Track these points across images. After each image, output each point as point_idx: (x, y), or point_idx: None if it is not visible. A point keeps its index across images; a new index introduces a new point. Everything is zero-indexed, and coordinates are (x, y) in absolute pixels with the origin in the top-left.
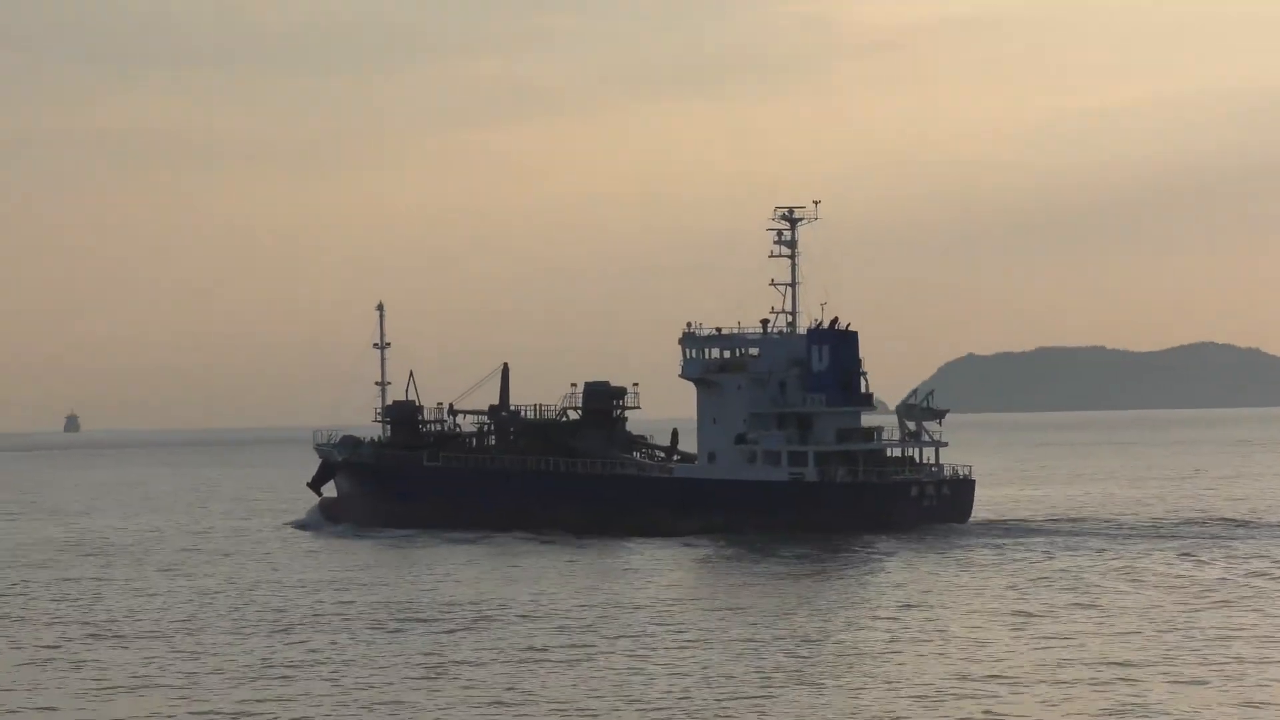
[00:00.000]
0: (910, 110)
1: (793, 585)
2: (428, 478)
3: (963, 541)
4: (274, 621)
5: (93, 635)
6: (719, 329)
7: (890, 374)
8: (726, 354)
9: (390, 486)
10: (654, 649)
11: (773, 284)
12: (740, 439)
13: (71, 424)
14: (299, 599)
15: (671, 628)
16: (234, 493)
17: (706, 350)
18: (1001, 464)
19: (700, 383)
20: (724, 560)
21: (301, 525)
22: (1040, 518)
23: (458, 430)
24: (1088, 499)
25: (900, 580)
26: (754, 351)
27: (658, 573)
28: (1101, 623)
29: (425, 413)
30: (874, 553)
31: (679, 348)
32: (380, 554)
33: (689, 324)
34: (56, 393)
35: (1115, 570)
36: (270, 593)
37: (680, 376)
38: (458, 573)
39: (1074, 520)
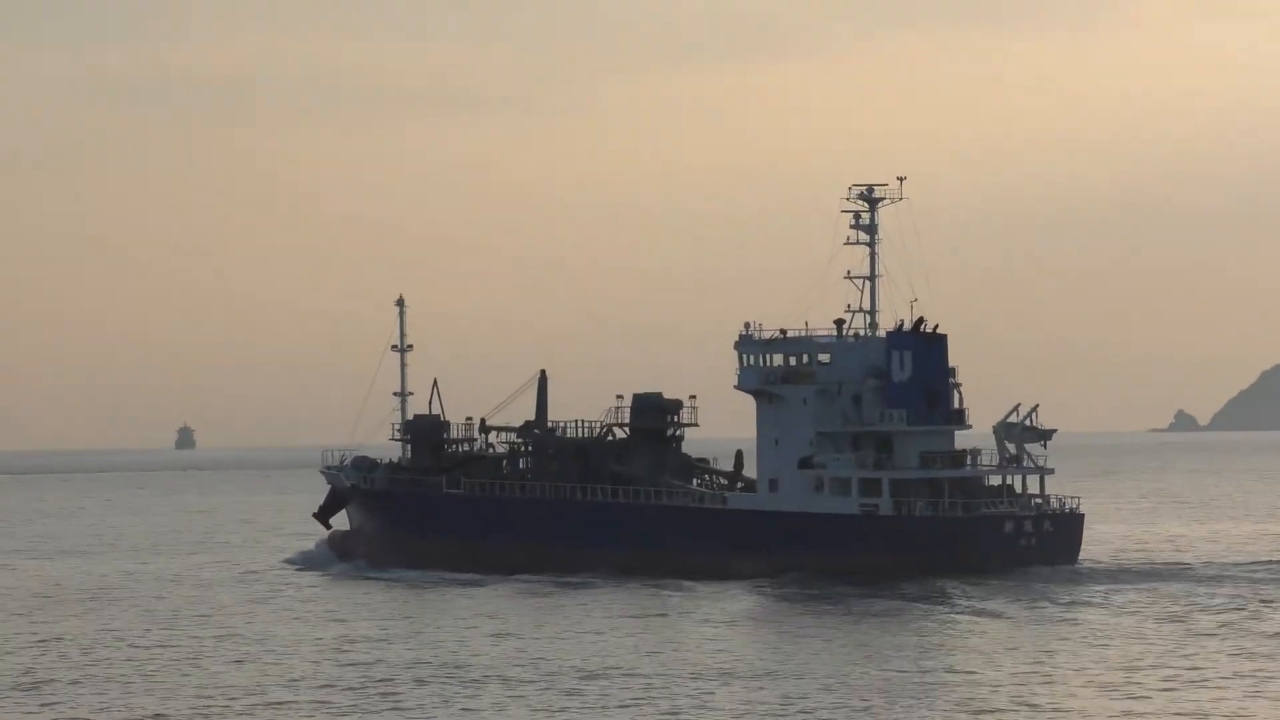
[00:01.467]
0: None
1: (843, 651)
2: (447, 507)
3: (1072, 590)
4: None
5: None
6: (783, 331)
7: (994, 386)
8: (791, 361)
9: (404, 517)
10: None
11: (849, 277)
12: (804, 463)
13: (185, 438)
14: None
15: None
16: (250, 523)
17: (767, 356)
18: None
19: (759, 395)
20: (766, 614)
21: (304, 563)
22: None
23: (489, 450)
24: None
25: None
26: (824, 358)
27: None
28: None
29: (452, 429)
30: (959, 606)
31: (735, 354)
32: (376, 601)
33: (746, 325)
34: (169, 402)
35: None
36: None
37: (736, 388)
38: (455, 631)
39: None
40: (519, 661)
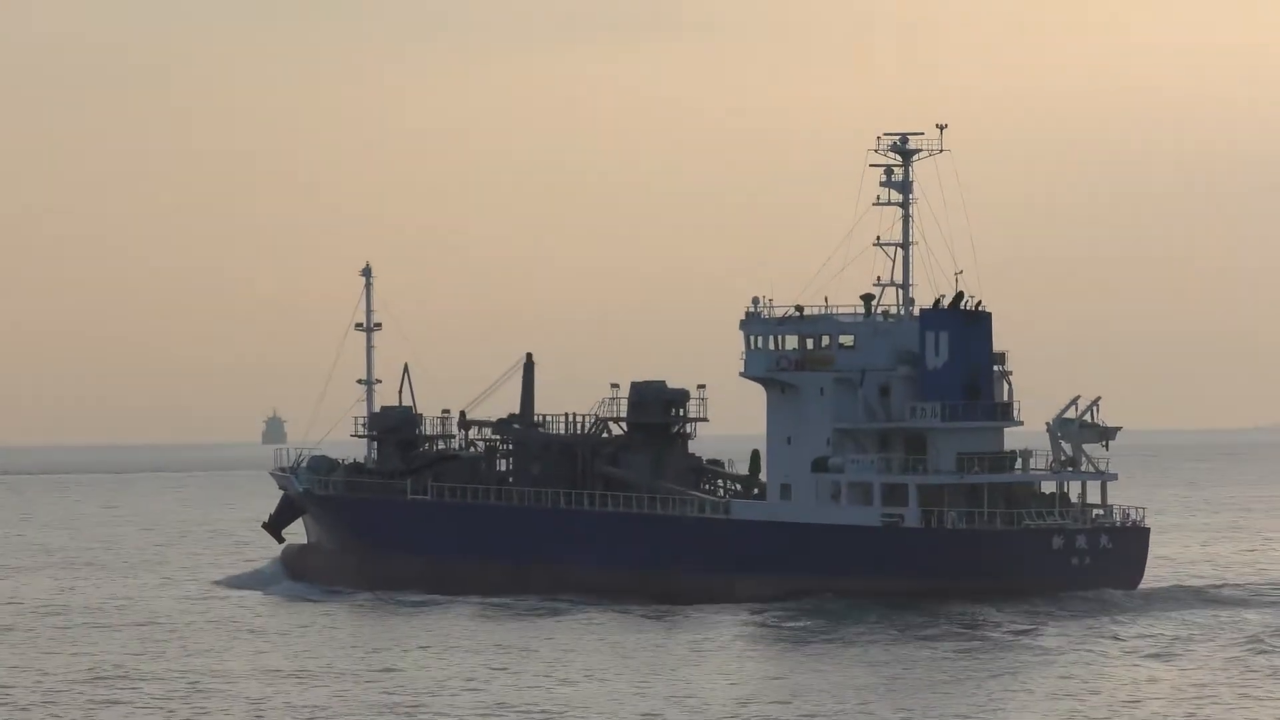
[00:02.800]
0: None
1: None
2: (411, 517)
3: (1132, 621)
4: None
5: None
6: (798, 308)
7: (1054, 375)
8: (808, 343)
9: (362, 529)
10: None
11: (878, 244)
12: (818, 465)
13: (274, 429)
14: None
15: None
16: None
17: (778, 338)
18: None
19: (769, 384)
20: (764, 648)
21: (243, 583)
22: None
23: (471, 448)
24: None
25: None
26: (846, 340)
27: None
28: None
29: (425, 424)
30: (1003, 641)
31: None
32: (310, 635)
33: (755, 300)
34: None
35: None
36: None
37: (742, 375)
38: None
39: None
40: None
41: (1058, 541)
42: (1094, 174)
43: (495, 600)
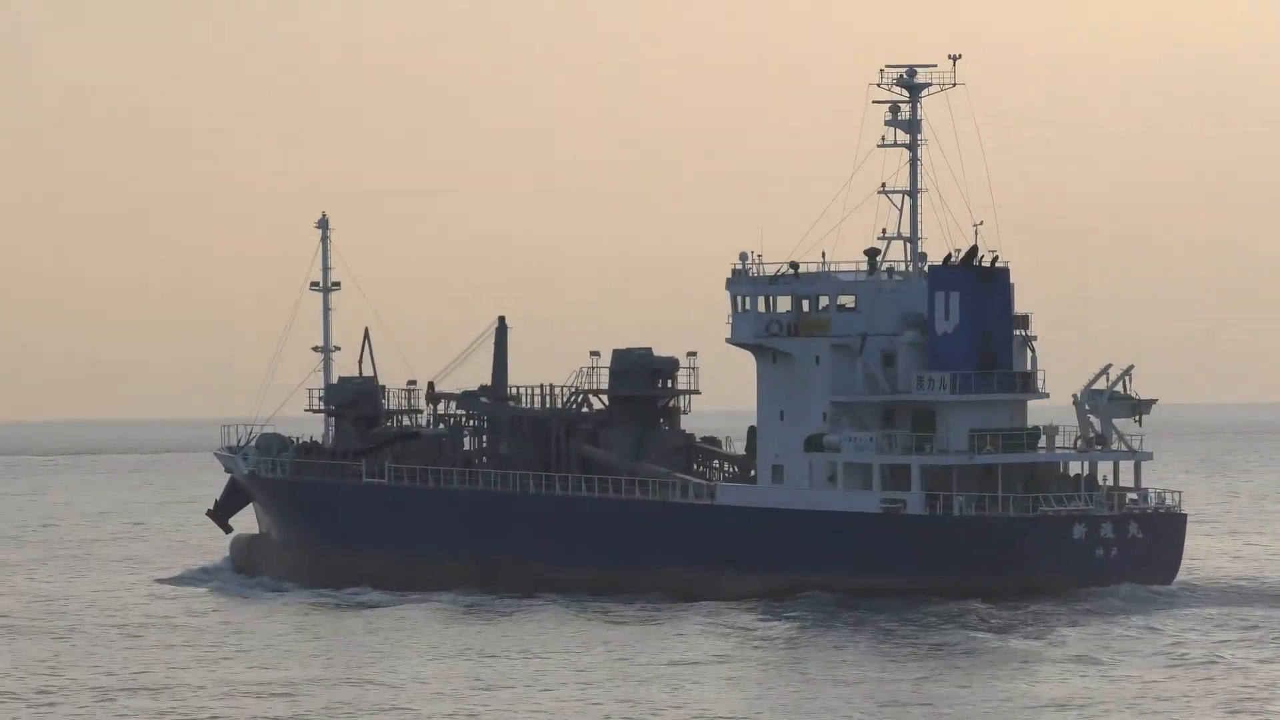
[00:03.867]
0: None
1: None
2: (364, 503)
3: (1161, 621)
4: None
5: None
6: (792, 265)
7: (1087, 341)
8: (804, 305)
9: (312, 516)
10: None
11: (883, 191)
12: (812, 443)
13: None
14: None
15: None
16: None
17: (769, 299)
18: None
19: (760, 352)
20: (747, 659)
21: (186, 581)
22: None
23: (440, 424)
24: None
25: None
26: (846, 301)
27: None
28: None
29: (389, 396)
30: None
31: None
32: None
33: (743, 256)
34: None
35: None
36: None
37: (729, 342)
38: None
39: None
40: None
41: (1079, 530)
42: (1128, 108)
43: (444, 599)
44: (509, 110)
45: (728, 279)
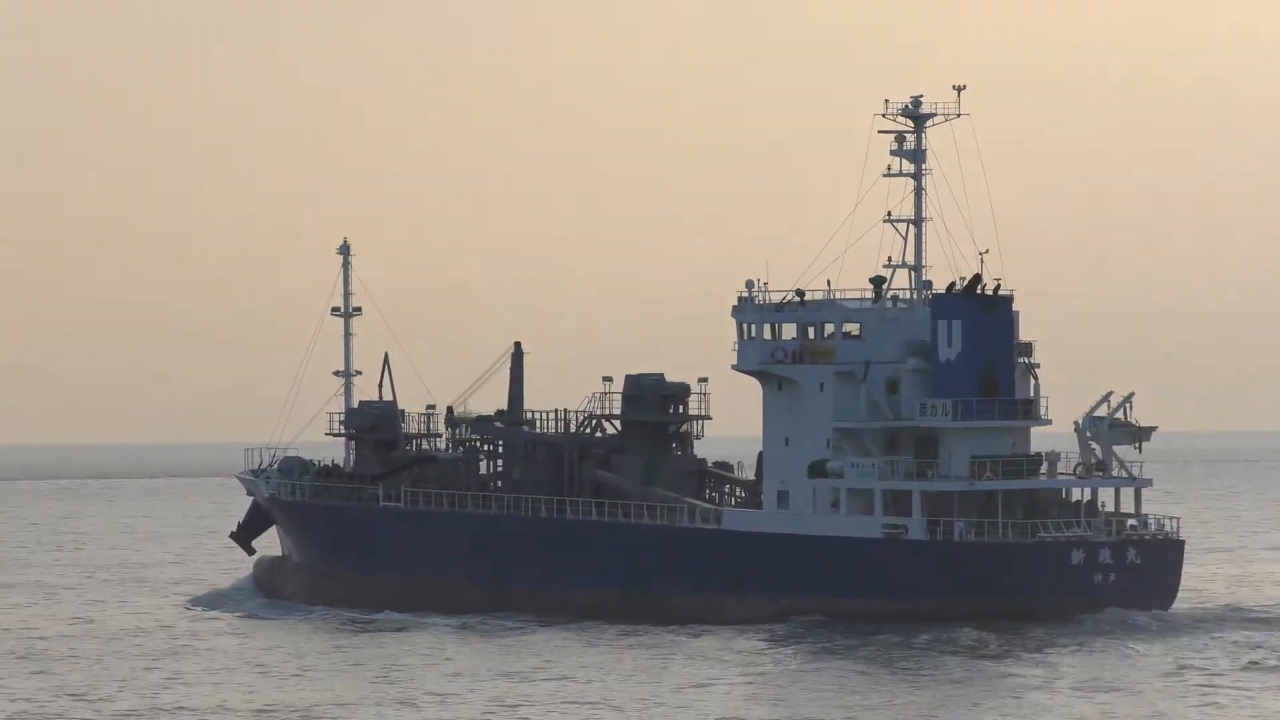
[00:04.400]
0: None
1: None
2: (380, 526)
3: (1159, 647)
4: None
5: None
6: (799, 292)
7: (1091, 369)
8: (809, 332)
9: (329, 539)
10: None
11: (889, 220)
12: (816, 469)
13: None
14: None
15: None
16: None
17: (775, 326)
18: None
19: (765, 378)
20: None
21: (210, 603)
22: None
23: (459, 448)
24: None
25: None
26: (851, 329)
27: None
28: None
29: (408, 420)
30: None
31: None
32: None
33: (749, 284)
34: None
35: None
36: None
37: (734, 369)
38: None
39: None
40: None
41: (1078, 556)
42: (1132, 138)
43: (453, 622)
44: (526, 136)
45: (734, 306)
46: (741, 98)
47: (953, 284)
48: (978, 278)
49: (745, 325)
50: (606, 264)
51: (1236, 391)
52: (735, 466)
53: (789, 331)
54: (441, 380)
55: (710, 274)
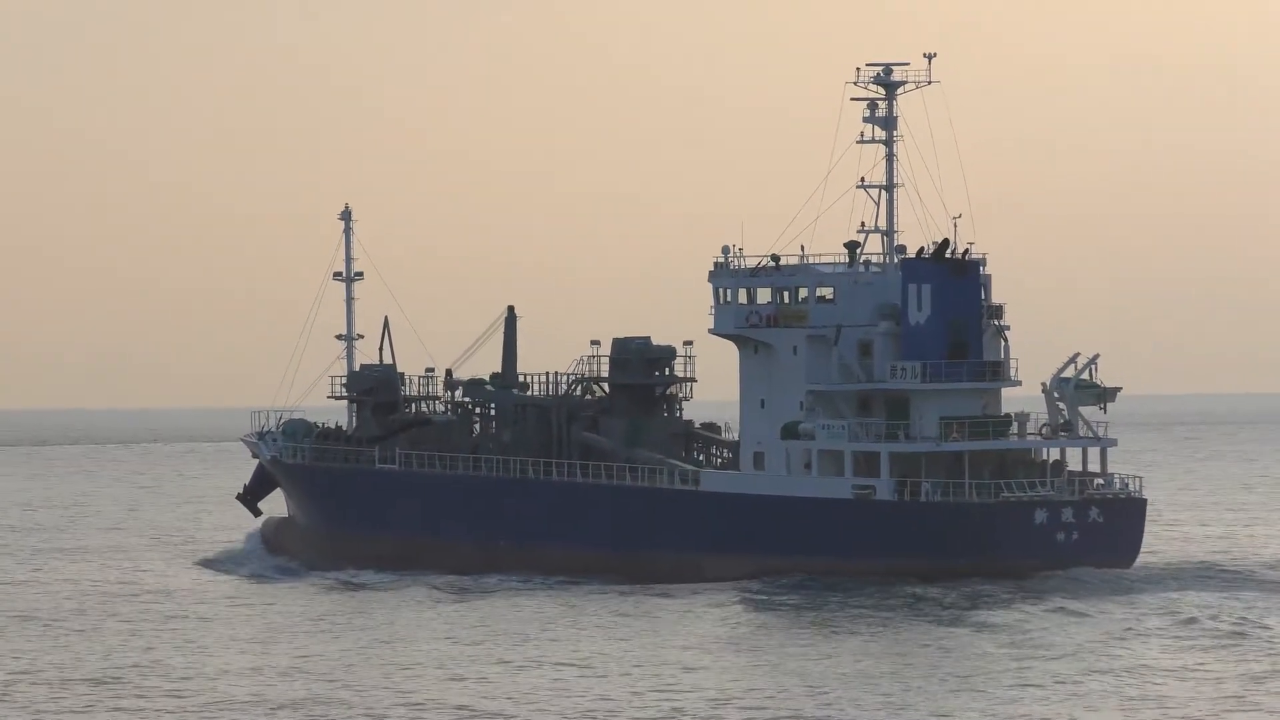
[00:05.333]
0: None
1: None
2: (375, 487)
3: (1114, 604)
4: None
5: None
6: (774, 258)
7: (1066, 331)
8: (784, 297)
9: (328, 500)
10: None
11: (862, 186)
12: (788, 431)
13: None
14: None
15: None
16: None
17: (750, 291)
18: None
19: (741, 342)
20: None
21: (223, 564)
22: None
23: (455, 410)
24: None
25: None
26: (825, 293)
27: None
28: None
29: (407, 383)
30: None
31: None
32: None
33: (725, 250)
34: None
35: None
36: None
37: (711, 333)
38: None
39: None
40: None
41: (1041, 515)
42: (1101, 103)
43: (439, 581)
44: (516, 108)
45: (710, 272)
46: (720, 67)
47: (921, 249)
48: (946, 242)
49: (721, 290)
50: (601, 228)
51: (1207, 355)
52: (723, 428)
53: (764, 296)
54: (442, 343)
55: (693, 241)
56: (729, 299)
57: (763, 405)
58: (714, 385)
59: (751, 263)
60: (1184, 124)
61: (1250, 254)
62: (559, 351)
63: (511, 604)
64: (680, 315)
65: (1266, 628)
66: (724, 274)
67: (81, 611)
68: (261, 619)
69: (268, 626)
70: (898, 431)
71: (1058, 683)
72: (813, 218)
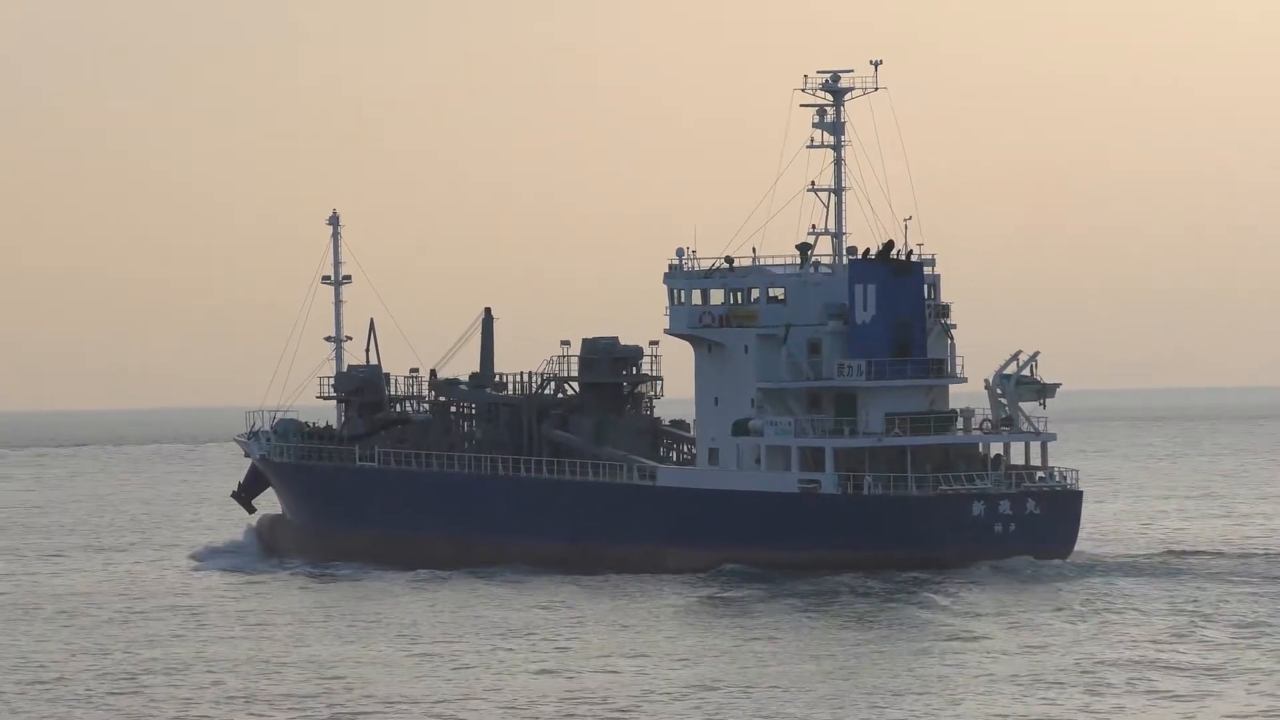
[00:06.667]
0: None
1: None
2: (354, 485)
3: (1041, 591)
4: None
5: None
6: (727, 260)
7: (1014, 330)
8: (737, 297)
9: (312, 498)
10: None
11: (811, 189)
12: (739, 428)
13: None
14: None
15: None
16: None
17: (704, 292)
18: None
19: (696, 342)
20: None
21: (210, 561)
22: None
23: (439, 409)
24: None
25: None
26: (778, 293)
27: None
28: None
29: (392, 383)
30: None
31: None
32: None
33: (679, 252)
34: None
35: None
36: None
37: (667, 332)
38: None
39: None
40: None
41: (979, 507)
42: (1044, 107)
43: (419, 576)
44: (493, 117)
45: (665, 273)
46: (679, 77)
47: (867, 250)
48: (890, 244)
49: (676, 291)
50: (574, 231)
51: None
52: (691, 425)
53: (717, 297)
54: (428, 344)
55: (662, 243)
56: (683, 300)
57: (716, 403)
58: (685, 384)
59: (706, 265)
60: (1127, 126)
61: (1195, 254)
62: (538, 351)
63: (460, 598)
64: (650, 316)
65: (1206, 616)
66: (678, 275)
67: (69, 611)
68: (221, 612)
69: (239, 621)
70: (846, 428)
71: (985, 674)
72: (764, 221)
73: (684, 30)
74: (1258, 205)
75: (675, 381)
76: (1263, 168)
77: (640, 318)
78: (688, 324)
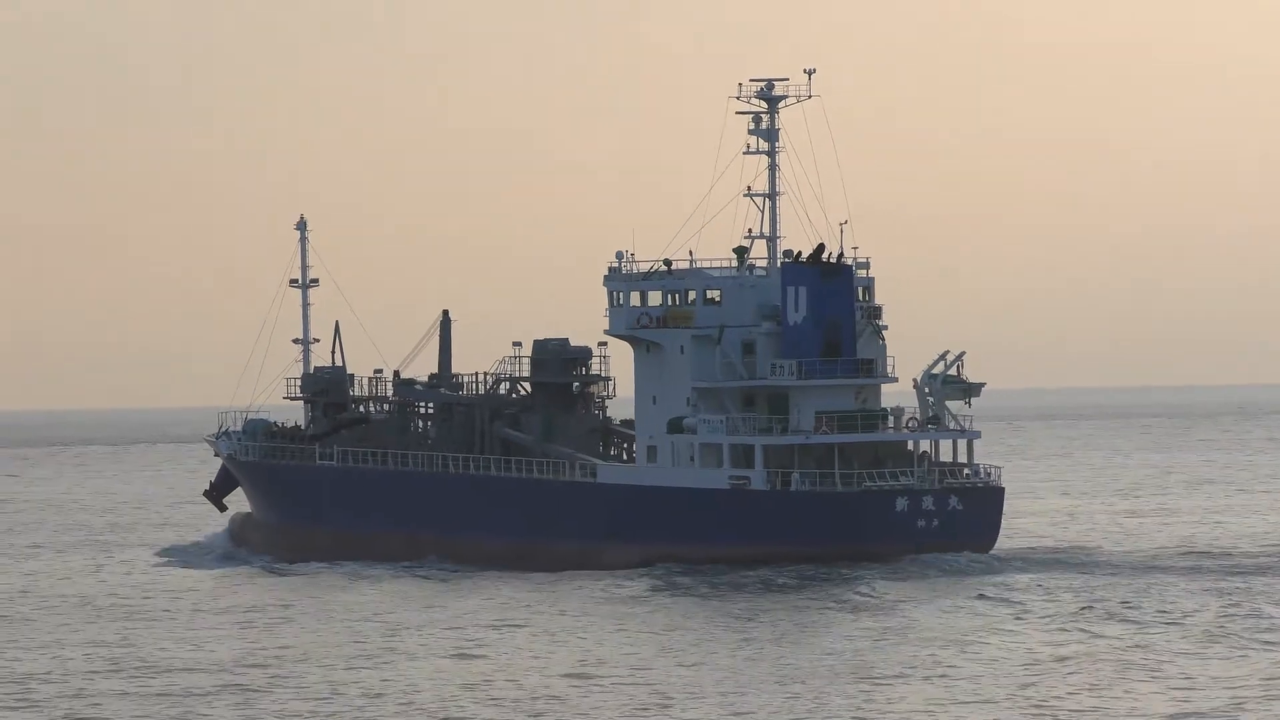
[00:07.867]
0: None
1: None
2: (317, 482)
3: (957, 586)
4: None
5: None
6: (666, 262)
7: (946, 331)
8: (674, 299)
9: (275, 496)
10: None
11: (748, 195)
12: (674, 426)
13: None
14: None
15: None
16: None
17: (643, 294)
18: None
19: (634, 343)
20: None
21: (182, 556)
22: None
23: (403, 409)
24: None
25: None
26: (714, 295)
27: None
28: None
29: (356, 384)
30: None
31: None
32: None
33: (618, 255)
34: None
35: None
36: None
37: (606, 333)
38: None
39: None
40: None
41: (902, 503)
42: (975, 110)
43: (376, 571)
44: (451, 124)
45: (605, 276)
46: (617, 84)
47: (798, 254)
48: (821, 247)
49: (615, 293)
50: (527, 236)
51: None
52: None
53: (655, 299)
54: (393, 345)
55: (604, 245)
56: (622, 301)
57: (654, 401)
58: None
59: (644, 267)
60: (1062, 122)
61: (1130, 254)
62: (497, 352)
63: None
64: (597, 318)
65: (1121, 609)
66: (617, 278)
67: (49, 608)
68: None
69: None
70: (775, 426)
71: (896, 665)
72: (701, 225)
73: (623, 38)
74: (1190, 202)
75: (627, 381)
76: (1171, 165)
77: (591, 320)
78: (626, 325)
